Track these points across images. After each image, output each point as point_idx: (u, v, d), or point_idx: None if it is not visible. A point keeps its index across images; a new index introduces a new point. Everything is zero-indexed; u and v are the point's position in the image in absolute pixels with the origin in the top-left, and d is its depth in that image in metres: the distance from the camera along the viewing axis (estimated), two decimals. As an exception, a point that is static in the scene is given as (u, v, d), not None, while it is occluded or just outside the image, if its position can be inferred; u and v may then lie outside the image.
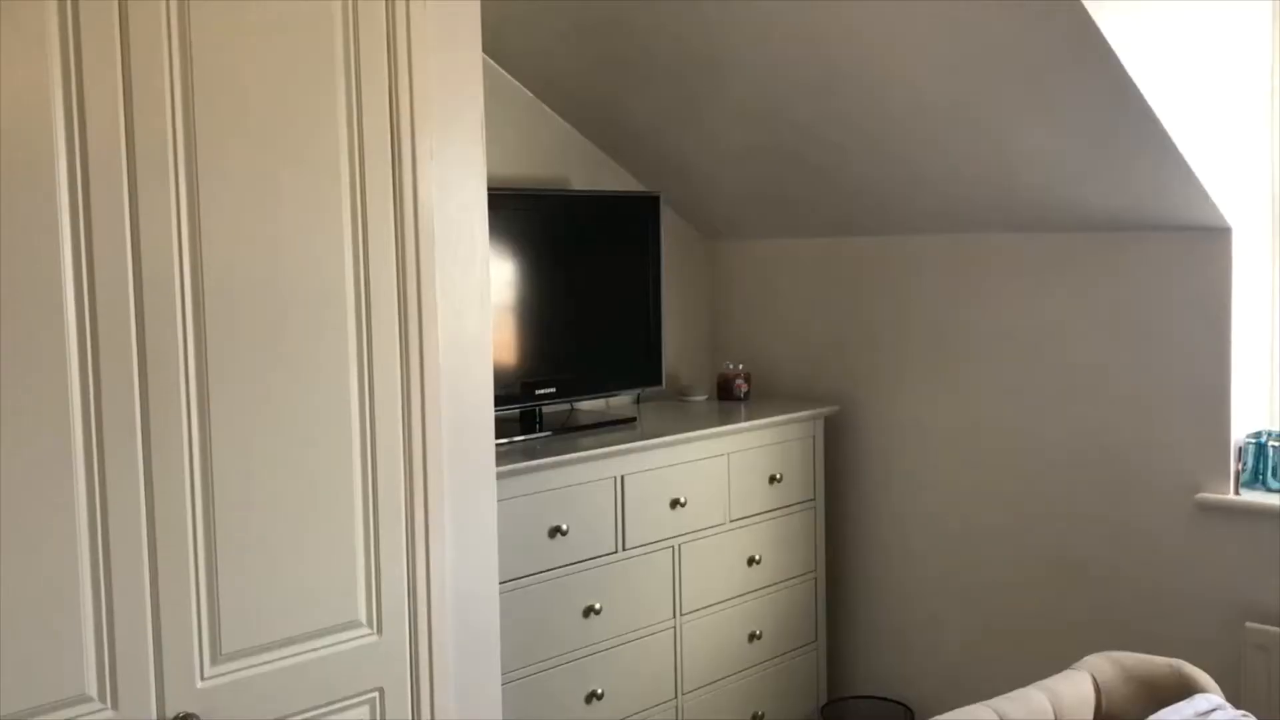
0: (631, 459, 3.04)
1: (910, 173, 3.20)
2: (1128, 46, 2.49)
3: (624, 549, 3.04)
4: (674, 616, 3.18)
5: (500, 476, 2.59)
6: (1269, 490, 3.01)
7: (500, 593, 2.55)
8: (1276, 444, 3.01)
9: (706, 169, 3.60)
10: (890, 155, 3.16)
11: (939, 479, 3.50)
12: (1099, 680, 2.48)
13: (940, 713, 3.47)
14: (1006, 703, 2.30)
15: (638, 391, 3.62)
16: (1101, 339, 3.15)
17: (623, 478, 3.02)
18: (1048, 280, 3.23)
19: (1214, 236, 2.93)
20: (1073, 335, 3.20)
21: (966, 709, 2.26)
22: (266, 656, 2.06)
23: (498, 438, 2.93)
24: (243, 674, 2.02)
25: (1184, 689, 2.45)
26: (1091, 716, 2.43)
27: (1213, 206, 2.84)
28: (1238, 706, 2.40)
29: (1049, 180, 2.99)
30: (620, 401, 3.63)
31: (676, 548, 3.17)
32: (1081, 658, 3.12)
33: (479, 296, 2.41)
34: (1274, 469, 3.00)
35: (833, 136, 3.17)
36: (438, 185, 2.30)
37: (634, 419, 3.37)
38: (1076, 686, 2.45)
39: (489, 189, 2.43)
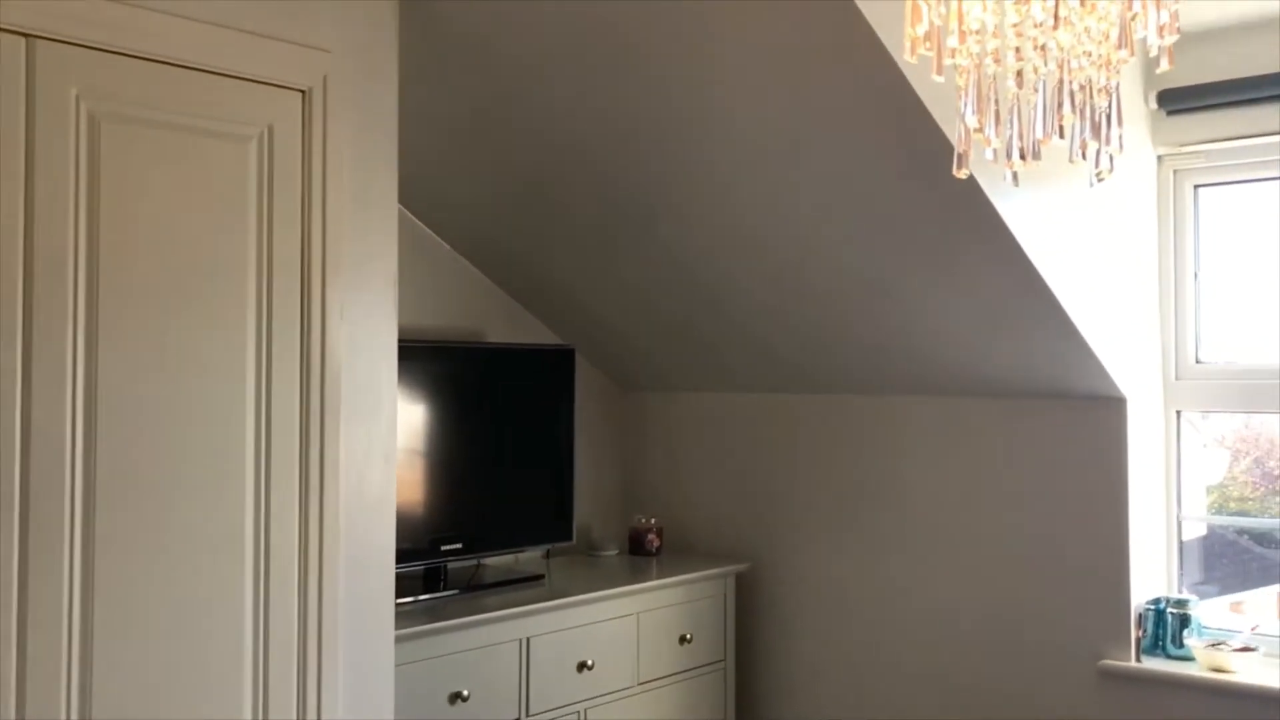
0: (539, 620, 2.97)
1: (829, 336, 3.27)
2: (1025, 227, 2.60)
3: (528, 715, 2.95)
4: (580, 786, 3.08)
5: (401, 640, 2.52)
6: (1169, 657, 3.04)
7: None
8: (1175, 610, 3.05)
9: (623, 322, 3.64)
10: (810, 319, 3.23)
11: (847, 640, 3.48)
12: None
13: None
14: None
15: (548, 546, 3.57)
16: (1005, 503, 3.20)
17: (529, 640, 2.95)
18: (956, 444, 3.29)
19: (1109, 406, 3.02)
20: (977, 499, 3.24)
21: None
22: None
23: (400, 596, 2.87)
24: None
25: None
26: None
27: (1107, 377, 2.94)
28: None
29: (958, 349, 3.08)
30: (529, 556, 3.58)
31: (582, 713, 3.09)
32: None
33: (384, 453, 2.38)
34: (1173, 636, 3.04)
35: (755, 296, 3.24)
36: (347, 340, 2.29)
37: (543, 576, 3.32)
38: None
39: (401, 340, 2.43)
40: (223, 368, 2.09)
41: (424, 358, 3.12)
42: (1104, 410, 3.03)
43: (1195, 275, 3.13)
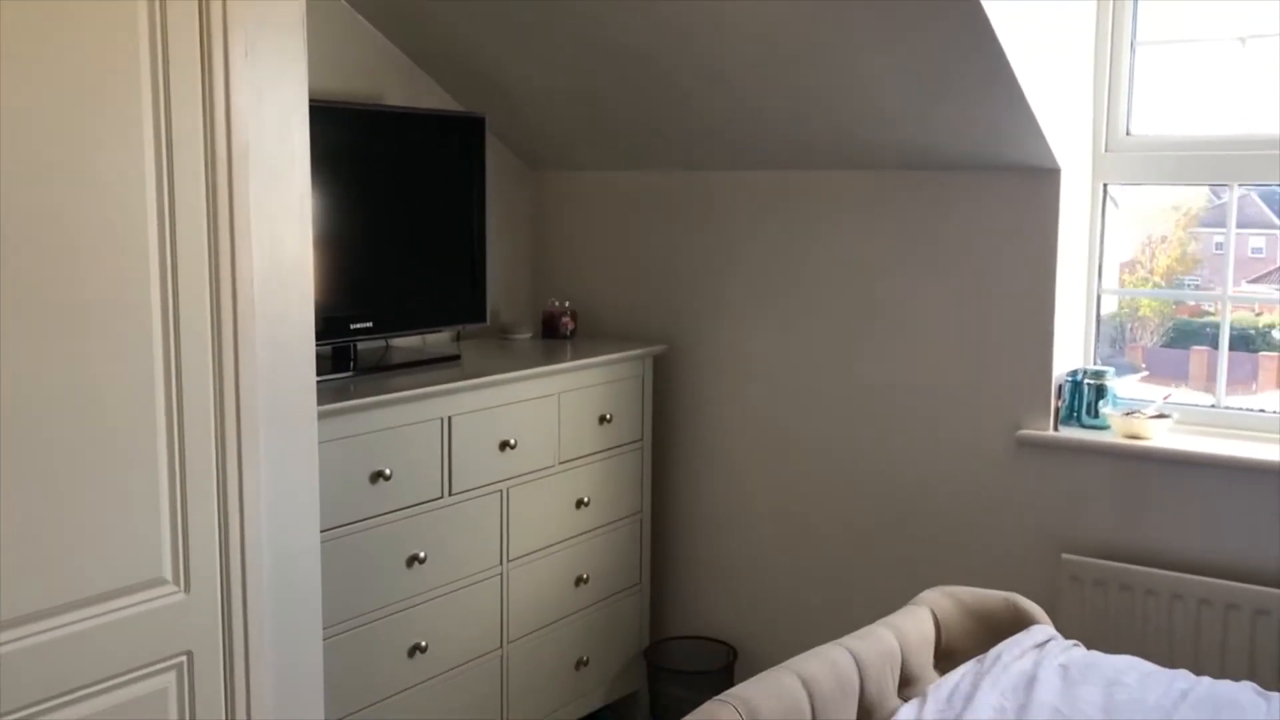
0: (459, 399, 2.85)
1: (751, 108, 3.11)
2: (979, -22, 2.45)
3: (451, 494, 2.86)
4: (501, 563, 3.03)
5: (321, 416, 2.37)
6: (1083, 427, 3.10)
7: (321, 541, 2.35)
8: (1091, 382, 3.09)
9: (534, 95, 3.41)
10: (732, 88, 3.05)
11: (765, 418, 3.46)
12: (939, 615, 2.49)
13: (764, 651, 3.50)
14: (857, 641, 2.27)
15: (459, 328, 3.42)
16: (931, 278, 3.16)
17: (450, 419, 2.83)
18: (879, 218, 3.22)
19: (1043, 178, 2.97)
20: (902, 274, 3.20)
21: (823, 648, 2.21)
22: (55, 621, 1.80)
23: (313, 375, 2.70)
24: (26, 642, 1.76)
25: (1018, 622, 2.50)
26: (932, 650, 2.44)
27: (1045, 148, 2.87)
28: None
29: (890, 117, 2.96)
30: (439, 339, 3.43)
31: (505, 491, 3.02)
32: (906, 595, 3.16)
33: (299, 215, 2.17)
34: (1088, 406, 3.09)
35: (671, 67, 3.04)
36: (252, 89, 2.04)
37: (457, 357, 3.18)
38: (918, 622, 2.45)
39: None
40: (111, 104, 1.82)
41: (320, 120, 2.84)
42: (1037, 183, 2.97)
43: (1132, 45, 3.04)
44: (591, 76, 3.22)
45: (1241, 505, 2.81)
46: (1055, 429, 3.07)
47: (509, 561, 3.05)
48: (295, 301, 2.18)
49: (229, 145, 2.00)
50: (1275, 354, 3.07)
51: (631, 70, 3.12)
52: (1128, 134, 3.08)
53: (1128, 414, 3.02)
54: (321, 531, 2.43)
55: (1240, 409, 3.02)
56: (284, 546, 2.17)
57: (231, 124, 2.00)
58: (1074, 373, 3.11)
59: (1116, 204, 3.22)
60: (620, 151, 3.56)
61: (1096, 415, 3.08)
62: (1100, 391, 3.08)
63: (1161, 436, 2.95)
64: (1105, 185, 3.13)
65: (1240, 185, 2.98)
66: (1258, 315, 3.14)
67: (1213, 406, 3.04)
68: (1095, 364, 3.19)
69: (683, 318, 3.57)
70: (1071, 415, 3.11)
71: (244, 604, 2.09)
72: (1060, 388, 3.08)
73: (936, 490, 3.20)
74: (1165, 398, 3.07)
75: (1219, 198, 3.17)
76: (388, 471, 2.67)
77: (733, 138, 3.28)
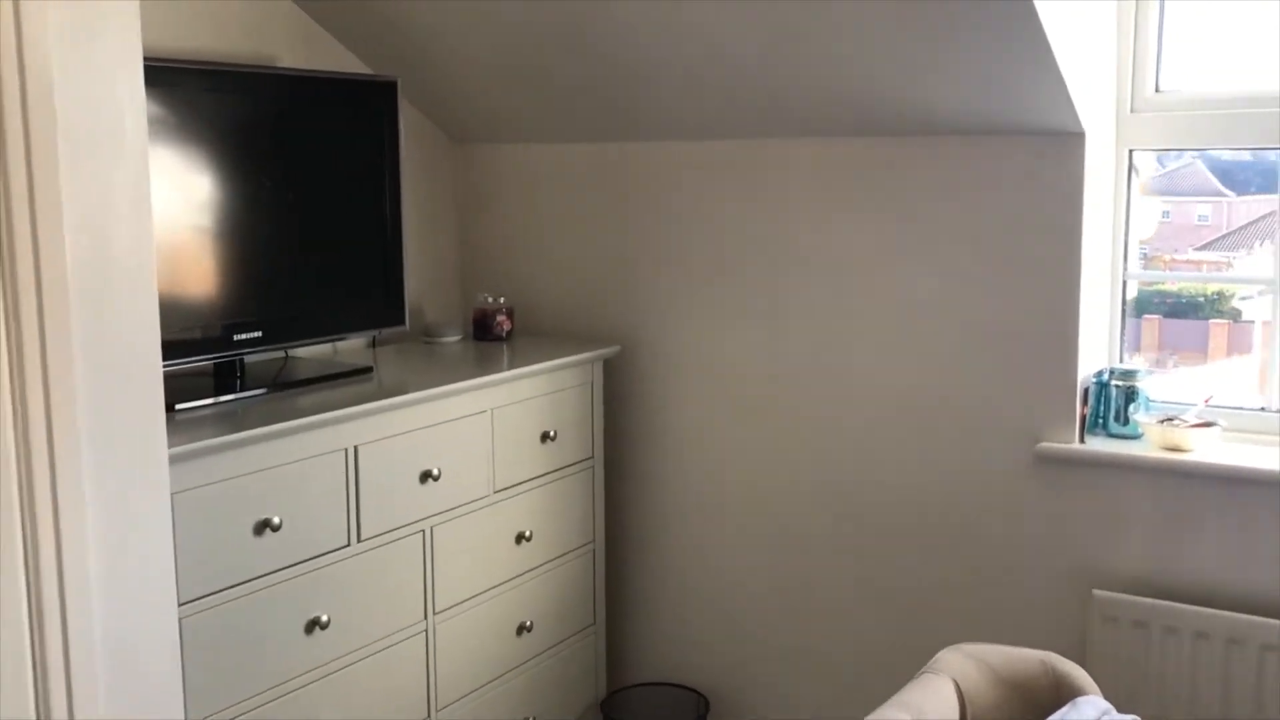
0: (369, 424, 2.33)
1: (717, 65, 2.60)
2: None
3: (359, 540, 2.34)
4: (425, 618, 2.52)
5: (180, 458, 1.86)
6: (1110, 436, 2.65)
7: (187, 614, 1.87)
8: (1120, 383, 2.64)
9: (457, 55, 2.87)
10: (695, 41, 2.54)
11: (739, 430, 2.97)
12: (962, 686, 2.02)
13: (741, 700, 3.03)
14: (872, 735, 1.79)
15: (373, 333, 2.89)
16: (933, 263, 2.68)
17: (356, 449, 2.31)
18: (874, 195, 2.73)
19: (1067, 143, 2.50)
20: (899, 259, 2.71)
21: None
22: None
23: (184, 400, 2.19)
24: None
25: (1060, 690, 2.03)
26: (961, 733, 1.96)
27: (1069, 106, 2.40)
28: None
29: (886, 72, 2.47)
30: (351, 346, 2.90)
31: (428, 531, 2.50)
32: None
33: (133, 203, 1.64)
34: (1117, 412, 2.64)
35: (622, 17, 2.52)
36: (61, 39, 1.51)
37: (370, 369, 2.65)
38: (939, 697, 1.98)
39: (164, 63, 1.85)
40: None
41: (196, 85, 2.32)
42: (1059, 150, 2.50)
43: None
44: (526, 30, 2.70)
45: (1310, 530, 2.36)
46: (1081, 440, 2.60)
47: (435, 615, 2.54)
48: (131, 309, 1.66)
49: (24, 111, 1.47)
50: (1226, 321, 2.78)
51: (575, 21, 2.61)
52: (1157, 91, 2.62)
53: (1165, 421, 2.57)
54: (189, 601, 1.93)
55: (1294, 412, 2.58)
56: (126, 637, 1.66)
57: (28, 85, 1.47)
58: (1099, 373, 2.65)
59: (1138, 173, 2.76)
60: (562, 120, 3.04)
61: (1127, 423, 2.63)
62: (1131, 395, 2.63)
63: (1207, 448, 2.50)
64: (1131, 151, 2.66)
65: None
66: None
67: (1263, 410, 2.59)
68: (1121, 361, 2.73)
69: (638, 314, 3.07)
70: (1098, 424, 2.65)
71: (69, 707, 1.58)
72: (1085, 391, 2.61)
73: (944, 514, 2.73)
74: (1206, 400, 2.61)
75: (1163, 166, 2.82)
76: (276, 520, 2.15)
77: (696, 101, 2.77)
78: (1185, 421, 2.55)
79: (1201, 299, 2.84)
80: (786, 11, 2.36)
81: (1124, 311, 2.72)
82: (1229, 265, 2.83)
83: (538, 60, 2.80)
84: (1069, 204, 2.51)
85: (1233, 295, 2.81)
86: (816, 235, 2.80)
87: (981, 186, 2.59)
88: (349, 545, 2.31)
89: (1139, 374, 2.63)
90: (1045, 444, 2.59)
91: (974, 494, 2.69)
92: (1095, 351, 2.66)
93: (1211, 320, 2.80)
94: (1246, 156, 2.71)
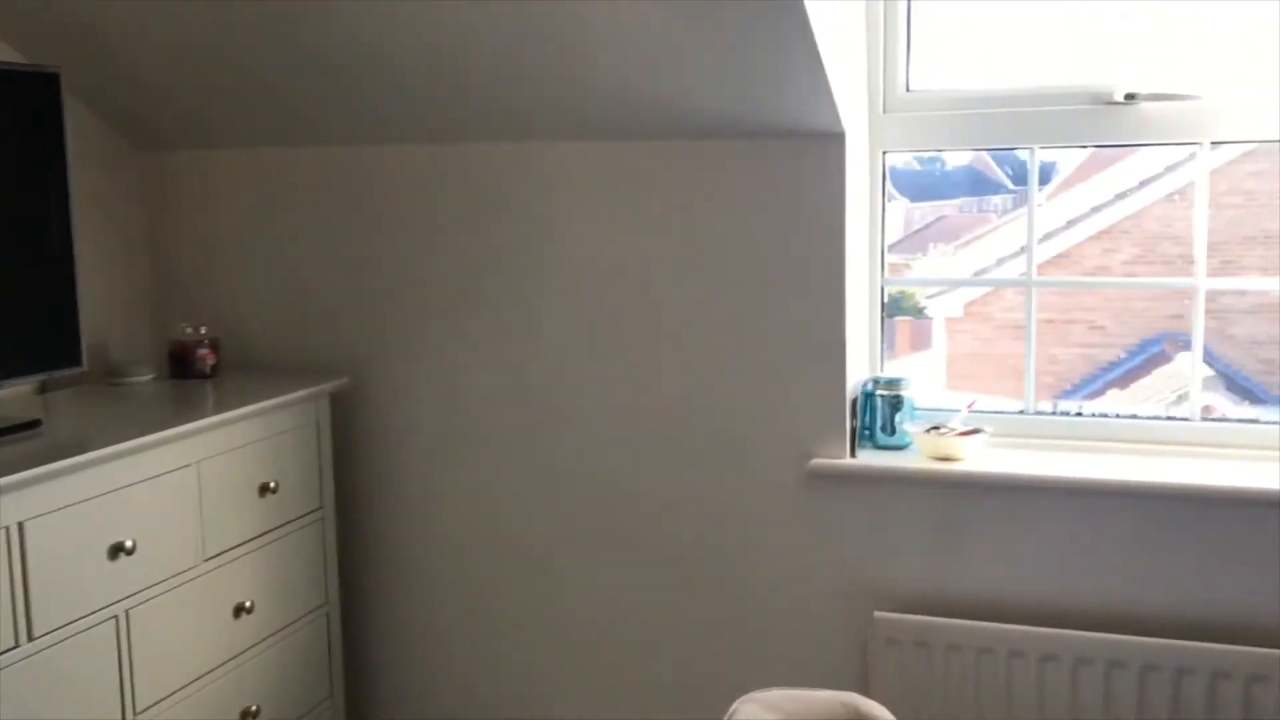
0: (37, 493, 1.87)
1: (452, 56, 2.31)
2: None
3: (30, 639, 1.88)
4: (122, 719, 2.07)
5: None
6: (879, 448, 2.54)
7: None
8: (885, 392, 2.54)
9: (134, 46, 2.43)
10: (426, 27, 2.23)
11: (492, 464, 2.68)
12: (766, 740, 1.81)
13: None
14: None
15: (42, 377, 2.39)
16: (698, 272, 2.49)
17: (22, 525, 1.85)
18: (633, 202, 2.51)
19: (828, 145, 2.37)
20: (661, 270, 2.51)
21: None
22: None
23: None
24: None
25: (866, 732, 1.86)
26: (770, 796, 1.76)
27: (832, 105, 2.26)
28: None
29: (644, 70, 2.25)
30: (14, 395, 2.39)
31: (122, 616, 2.06)
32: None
33: None
34: (883, 422, 2.54)
35: (334, 8, 2.19)
36: None
37: (38, 422, 2.17)
38: (744, 758, 1.77)
39: None
40: None
41: None
42: (821, 152, 2.37)
43: (908, -21, 2.50)
44: (215, 18, 2.30)
45: (1083, 535, 2.33)
46: (853, 454, 2.48)
47: (136, 715, 2.10)
48: None
49: None
50: (909, 318, 2.85)
51: (278, 9, 2.24)
52: (908, 90, 2.54)
53: (932, 430, 2.48)
54: None
55: (1055, 414, 2.56)
56: None
57: None
58: (863, 383, 2.54)
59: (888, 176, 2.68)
60: (269, 121, 2.65)
61: (894, 433, 2.53)
62: (896, 403, 2.53)
63: (977, 456, 2.43)
64: (884, 153, 2.57)
65: (1043, 148, 2.50)
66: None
67: (1022, 413, 2.56)
68: (883, 369, 2.64)
69: (370, 340, 2.72)
70: (866, 435, 2.54)
71: None
72: (854, 402, 2.50)
73: (717, 541, 2.54)
74: (969, 406, 2.55)
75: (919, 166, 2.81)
76: (-89, 628, 1.67)
77: (430, 98, 2.47)
78: (953, 429, 2.47)
79: (887, 299, 2.81)
80: (531, 5, 2.10)
81: (883, 317, 2.62)
82: (908, 268, 2.83)
83: (233, 54, 2.41)
84: (832, 208, 2.38)
85: (915, 295, 2.84)
86: (573, 247, 2.55)
87: (744, 191, 2.43)
88: (18, 646, 1.85)
89: (903, 382, 2.54)
90: (817, 460, 2.45)
91: (746, 517, 2.52)
92: (860, 360, 2.55)
93: (897, 318, 2.78)
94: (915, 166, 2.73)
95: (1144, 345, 3.86)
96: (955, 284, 2.89)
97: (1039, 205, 2.57)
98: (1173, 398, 3.79)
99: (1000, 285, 2.83)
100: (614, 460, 2.59)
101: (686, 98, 2.30)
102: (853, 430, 2.48)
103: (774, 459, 2.48)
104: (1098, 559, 2.31)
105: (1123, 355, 4.22)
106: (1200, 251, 2.40)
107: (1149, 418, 2.52)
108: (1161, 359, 3.70)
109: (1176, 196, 2.84)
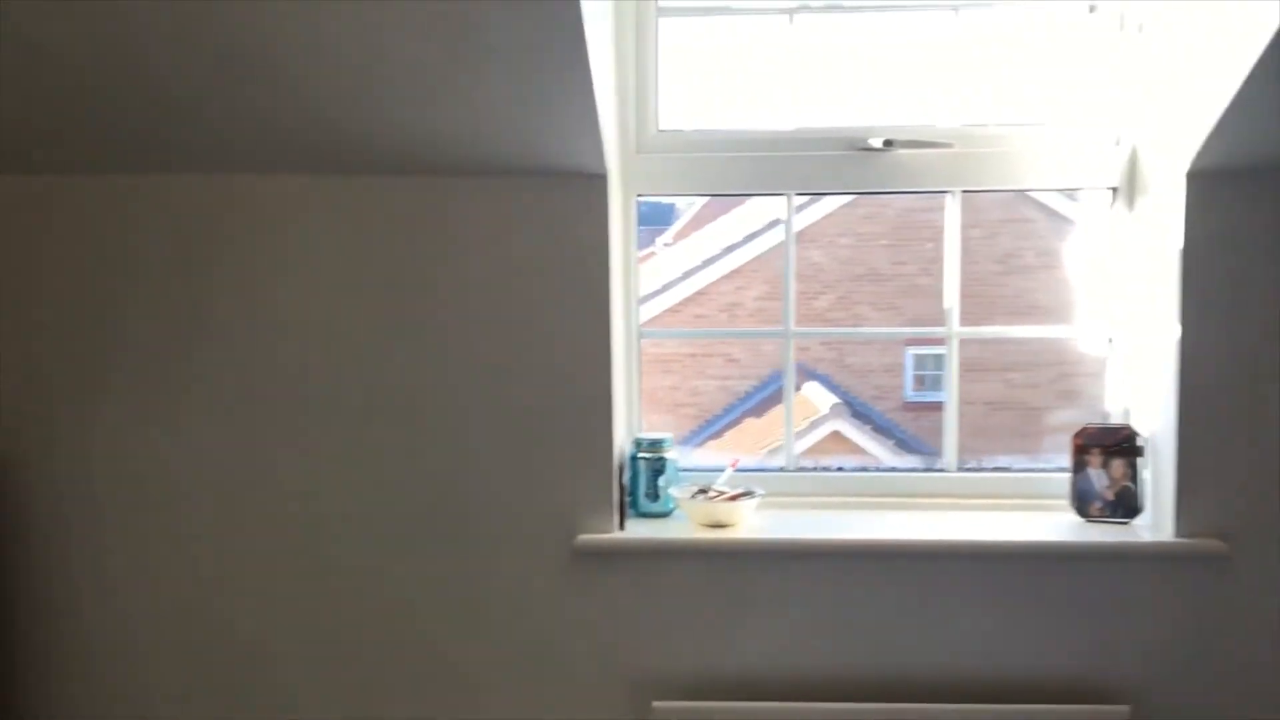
0: None
1: (149, 73, 1.87)
2: None
3: None
4: None
5: None
6: (642, 515, 2.34)
7: None
8: (648, 455, 2.34)
9: None
10: (131, 39, 1.80)
11: (198, 562, 2.22)
12: None
13: None
14: None
15: None
16: (450, 333, 2.18)
17: None
18: (367, 245, 2.16)
19: (590, 187, 2.14)
20: (401, 326, 2.18)
21: None
22: None
23: None
24: None
25: None
26: None
27: (598, 143, 2.04)
28: None
29: (392, 94, 1.92)
30: None
31: None
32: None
33: None
34: (646, 488, 2.34)
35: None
36: None
37: None
38: None
39: None
40: None
41: None
42: (584, 194, 2.14)
43: (657, 10, 2.34)
44: None
45: (866, 598, 2.22)
46: (621, 527, 2.25)
47: None
48: None
49: None
50: None
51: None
52: (659, 130, 2.37)
53: (700, 493, 2.31)
54: None
55: (816, 469, 2.46)
56: None
57: None
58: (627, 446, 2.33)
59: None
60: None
61: (657, 498, 2.34)
62: (660, 466, 2.34)
63: (749, 521, 2.28)
64: (637, 196, 2.38)
65: (799, 194, 2.40)
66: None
67: (782, 470, 2.44)
68: (643, 429, 2.44)
69: (21, 416, 2.19)
70: (629, 503, 2.33)
71: None
72: (620, 468, 2.28)
73: (476, 636, 2.23)
74: (733, 464, 2.40)
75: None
76: None
77: (104, 122, 2.00)
78: (721, 492, 2.31)
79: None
80: (249, 19, 1.73)
81: (639, 372, 2.42)
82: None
83: None
84: (596, 254, 2.16)
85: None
86: (295, 302, 2.16)
87: (498, 236, 2.16)
88: None
89: (666, 442, 2.35)
90: (584, 536, 2.20)
91: (509, 607, 2.22)
92: (621, 421, 2.33)
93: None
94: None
95: (775, 376, 3.98)
96: (715, 335, 2.75)
97: (667, 244, 2.48)
98: (805, 424, 3.94)
99: (758, 336, 2.71)
100: (354, 549, 2.21)
101: (435, 127, 2.00)
102: (621, 500, 2.26)
103: (537, 538, 2.21)
104: (884, 621, 2.21)
105: (756, 386, 4.37)
106: (953, 299, 2.37)
107: (907, 470, 2.46)
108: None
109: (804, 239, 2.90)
